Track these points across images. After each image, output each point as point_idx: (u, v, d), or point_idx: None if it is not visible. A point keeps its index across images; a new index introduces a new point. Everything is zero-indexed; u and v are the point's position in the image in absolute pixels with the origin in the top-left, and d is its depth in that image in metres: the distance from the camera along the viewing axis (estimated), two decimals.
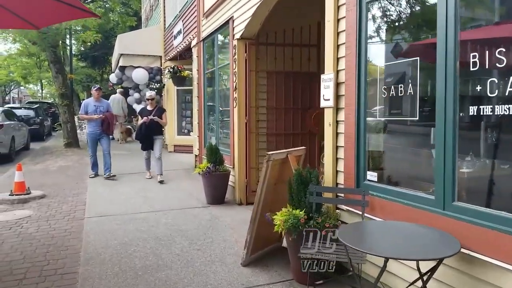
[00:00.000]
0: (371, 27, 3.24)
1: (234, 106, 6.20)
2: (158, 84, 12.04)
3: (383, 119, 3.24)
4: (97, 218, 5.39)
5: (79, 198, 6.50)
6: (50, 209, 5.85)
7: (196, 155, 9.16)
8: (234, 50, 6.18)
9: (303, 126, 6.27)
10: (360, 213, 3.18)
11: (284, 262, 3.80)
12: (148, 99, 7.78)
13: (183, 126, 12.34)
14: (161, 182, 7.56)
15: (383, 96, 3.11)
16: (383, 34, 3.36)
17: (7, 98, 50.22)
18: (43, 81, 34.71)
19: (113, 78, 13.79)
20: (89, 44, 27.31)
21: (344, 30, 3.46)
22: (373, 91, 3.20)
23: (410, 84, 2.87)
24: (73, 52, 22.94)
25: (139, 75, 12.81)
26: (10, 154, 11.13)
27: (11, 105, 21.77)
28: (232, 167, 6.37)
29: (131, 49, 12.86)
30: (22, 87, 48.15)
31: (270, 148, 6.17)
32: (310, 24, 6.08)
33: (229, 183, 6.32)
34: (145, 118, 7.43)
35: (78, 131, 13.46)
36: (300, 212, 3.25)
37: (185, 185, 7.47)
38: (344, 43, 3.46)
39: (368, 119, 3.22)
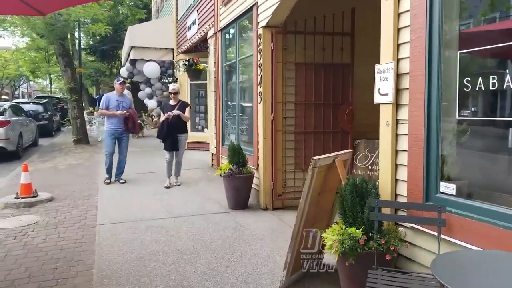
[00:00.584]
0: (447, 5, 2.65)
1: (259, 101, 5.63)
2: (171, 78, 11.50)
3: (465, 118, 2.64)
4: (111, 225, 4.88)
5: (90, 201, 6.00)
6: (58, 214, 5.36)
7: (213, 154, 8.63)
8: (258, 40, 5.60)
9: (334, 124, 5.68)
10: (430, 232, 2.62)
11: (330, 284, 3.26)
12: (171, 93, 6.91)
13: (196, 122, 11.81)
14: (177, 185, 6.97)
15: (465, 90, 2.51)
16: (465, 13, 2.76)
17: (16, 92, 50.21)
18: (52, 75, 34.41)
19: (123, 72, 13.29)
20: (98, 38, 26.95)
21: (407, 10, 2.87)
22: (450, 84, 2.61)
23: (506, 76, 2.27)
24: (82, 46, 22.52)
25: (151, 69, 12.29)
26: (17, 151, 10.71)
27: (19, 100, 21.41)
28: (255, 168, 5.82)
29: (142, 41, 12.33)
30: (31, 82, 48.00)
31: (299, 148, 5.61)
32: (343, 11, 5.47)
33: (253, 186, 5.77)
34: (167, 114, 6.58)
35: (87, 127, 13.00)
36: (358, 231, 2.69)
37: (203, 186, 6.94)
38: (408, 26, 2.87)
39: (443, 118, 2.63)
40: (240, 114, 6.80)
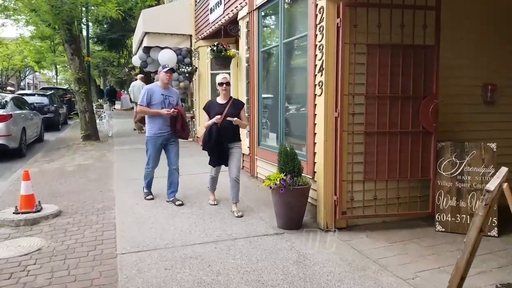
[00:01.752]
0: None
1: (318, 93, 4.45)
2: (190, 68, 10.31)
3: None
4: (135, 255, 3.75)
5: (106, 216, 4.87)
6: (67, 237, 4.24)
7: (244, 154, 7.46)
8: (319, 15, 4.40)
9: (414, 122, 4.49)
10: None
11: None
12: (221, 84, 4.86)
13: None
14: (239, 216, 4.85)
15: None
16: None
17: (22, 84, 49.39)
18: (58, 66, 33.35)
19: (136, 60, 12.13)
20: (105, 26, 25.80)
21: None
22: None
23: None
24: (89, 34, 21.39)
25: (167, 57, 11.09)
26: (21, 148, 9.63)
27: (23, 91, 20.33)
28: (311, 177, 4.66)
29: (157, 27, 11.13)
30: (37, 73, 47.08)
31: (369, 152, 4.42)
32: None
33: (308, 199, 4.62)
34: (216, 117, 4.76)
35: (97, 121, 11.88)
36: None
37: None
38: None
39: None
40: (285, 110, 5.62)
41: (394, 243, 4.12)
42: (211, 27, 9.32)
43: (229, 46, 7.44)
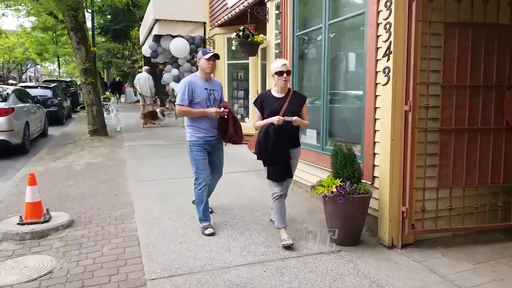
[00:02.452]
0: None
1: (383, 82, 3.70)
2: None
3: None
4: (168, 280, 3.04)
5: (126, 227, 4.16)
6: (83, 254, 3.53)
7: None
8: None
9: (497, 117, 3.74)
10: None
11: None
12: (280, 74, 3.67)
13: (234, 110, 9.89)
14: (287, 247, 3.64)
15: None
16: None
17: (23, 77, 48.71)
18: (60, 58, 32.54)
19: (146, 50, 11.37)
20: (109, 16, 24.98)
21: None
22: None
23: None
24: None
25: (179, 47, 10.35)
26: (24, 144, 8.91)
27: (25, 84, 19.48)
28: (370, 183, 3.93)
29: (169, 13, 10.36)
30: (38, 66, 46.30)
31: (445, 154, 3.68)
32: None
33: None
34: (276, 118, 3.60)
35: (105, 115, 11.14)
36: None
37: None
38: None
39: None
40: (331, 102, 4.86)
41: (479, 264, 3.39)
42: (230, 12, 8.55)
43: (255, 32, 6.65)
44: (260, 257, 3.47)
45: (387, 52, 3.61)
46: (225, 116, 4.02)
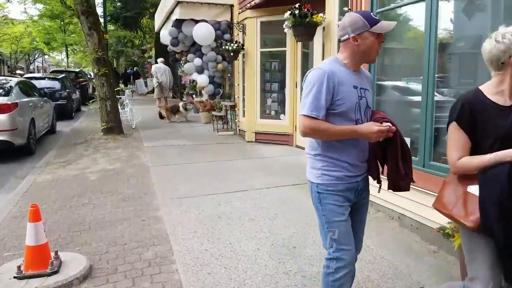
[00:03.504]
0: None
1: None
2: (235, 45, 8.25)
3: None
4: None
5: (166, 281, 2.96)
6: None
7: None
8: None
9: None
10: None
11: None
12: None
13: (267, 105, 8.64)
14: None
15: None
16: None
17: (31, 67, 47.85)
18: (68, 48, 31.40)
19: (165, 37, 10.12)
20: (118, 4, 23.70)
21: None
22: None
23: None
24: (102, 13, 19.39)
25: (203, 33, 9.10)
26: (29, 145, 7.79)
27: (32, 75, 18.26)
28: None
29: None
30: (46, 56, 45.30)
31: None
32: None
33: None
34: None
35: (120, 110, 9.95)
36: None
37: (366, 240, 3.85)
38: None
39: None
40: (435, 108, 3.58)
41: None
42: None
43: (312, 10, 5.33)
44: None
45: None
46: (389, 139, 2.08)
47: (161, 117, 11.88)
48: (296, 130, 7.97)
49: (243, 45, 8.34)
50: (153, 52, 29.75)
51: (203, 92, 10.25)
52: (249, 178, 5.64)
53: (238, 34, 8.85)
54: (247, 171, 6.04)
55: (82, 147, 8.12)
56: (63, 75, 16.03)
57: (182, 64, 12.66)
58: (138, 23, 25.36)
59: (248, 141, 8.52)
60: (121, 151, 7.57)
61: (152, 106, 14.44)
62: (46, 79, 14.84)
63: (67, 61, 34.58)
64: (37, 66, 52.69)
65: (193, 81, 13.73)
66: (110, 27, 24.63)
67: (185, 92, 14.31)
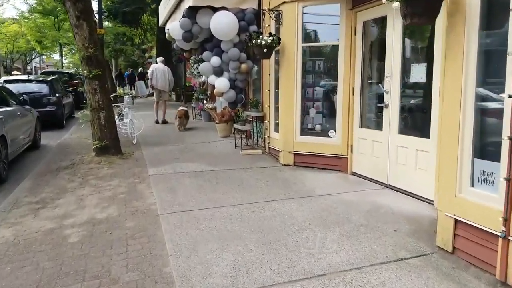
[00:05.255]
0: None
1: None
2: (271, 39, 6.19)
3: None
4: None
5: None
6: None
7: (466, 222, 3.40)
8: None
9: None
10: None
11: None
12: None
13: (309, 117, 6.62)
14: None
15: None
16: None
17: (28, 68, 46.06)
18: (64, 47, 29.33)
19: (175, 31, 8.09)
20: None
21: None
22: None
23: None
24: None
25: (224, 24, 7.09)
26: None
27: (15, 77, 15.86)
28: None
29: None
30: (44, 56, 43.37)
31: None
32: None
33: None
34: None
35: (116, 121, 7.93)
36: None
37: None
38: None
39: None
40: None
41: None
42: None
43: None
44: None
45: None
46: None
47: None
48: (352, 151, 5.96)
49: (279, 39, 6.32)
50: (154, 52, 27.74)
51: (221, 99, 8.21)
52: (318, 244, 3.61)
53: (269, 25, 6.82)
54: (308, 227, 3.99)
55: (67, 174, 6.10)
56: (54, 77, 13.99)
57: (192, 64, 10.69)
58: (139, 20, 23.35)
59: (284, 164, 6.51)
60: (118, 183, 5.54)
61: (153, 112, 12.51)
62: (35, 82, 12.81)
63: (62, 61, 32.49)
64: (35, 67, 50.83)
65: (203, 84, 11.80)
66: (108, 24, 22.64)
67: (193, 97, 12.31)
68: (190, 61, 10.80)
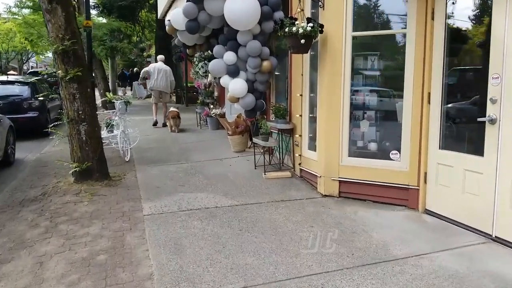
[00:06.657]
0: None
1: None
2: (311, 25, 4.49)
3: None
4: None
5: None
6: None
7: None
8: None
9: None
10: None
11: None
12: None
13: (361, 132, 4.93)
14: None
15: None
16: None
17: (25, 67, 44.65)
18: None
19: (177, 20, 6.41)
20: None
21: None
22: None
23: None
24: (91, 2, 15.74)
25: (241, 10, 5.41)
26: None
27: None
28: None
29: None
30: (35, 55, 41.88)
31: None
32: None
33: None
34: None
35: (104, 133, 6.23)
36: None
37: None
38: None
39: None
40: None
41: None
42: None
43: None
44: None
45: None
46: None
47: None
48: (426, 181, 4.29)
49: (321, 25, 4.63)
50: (153, 50, 26.06)
51: (235, 105, 6.53)
52: None
53: (302, 10, 5.13)
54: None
55: (32, 212, 4.41)
56: (37, 78, 12.25)
57: (196, 63, 9.06)
58: (136, 16, 21.67)
59: (326, 195, 4.85)
60: (99, 231, 3.85)
61: (152, 115, 10.95)
62: (16, 83, 11.13)
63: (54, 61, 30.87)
64: (32, 66, 49.53)
65: (209, 85, 10.18)
66: (103, 20, 20.93)
67: (198, 101, 10.68)
68: (194, 59, 9.17)
